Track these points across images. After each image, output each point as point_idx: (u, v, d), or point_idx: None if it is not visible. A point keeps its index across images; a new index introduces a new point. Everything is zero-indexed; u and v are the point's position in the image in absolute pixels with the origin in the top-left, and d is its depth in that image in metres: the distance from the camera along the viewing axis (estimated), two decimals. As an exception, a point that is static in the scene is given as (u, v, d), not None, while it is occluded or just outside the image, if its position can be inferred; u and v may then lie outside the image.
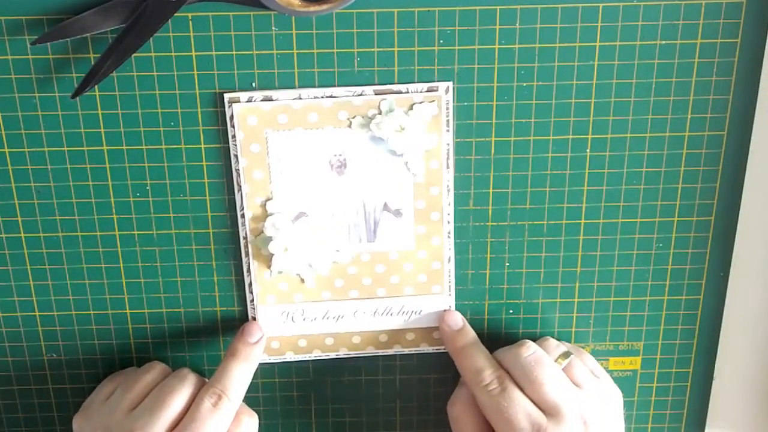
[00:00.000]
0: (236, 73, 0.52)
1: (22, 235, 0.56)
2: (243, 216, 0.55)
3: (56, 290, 0.58)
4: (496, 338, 0.60)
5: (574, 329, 0.60)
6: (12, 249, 0.57)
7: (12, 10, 0.50)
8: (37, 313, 0.59)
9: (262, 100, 0.53)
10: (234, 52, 0.52)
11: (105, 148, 0.54)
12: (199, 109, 0.53)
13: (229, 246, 0.57)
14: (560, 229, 0.57)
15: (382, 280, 0.58)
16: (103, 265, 0.57)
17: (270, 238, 0.55)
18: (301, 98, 0.53)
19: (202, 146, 0.54)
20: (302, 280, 0.57)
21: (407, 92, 0.53)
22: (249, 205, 0.55)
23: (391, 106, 0.53)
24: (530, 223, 0.57)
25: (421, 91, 0.53)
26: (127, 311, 0.59)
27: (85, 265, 0.57)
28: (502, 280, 0.58)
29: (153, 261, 0.57)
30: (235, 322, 0.59)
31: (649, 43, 0.52)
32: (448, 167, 0.55)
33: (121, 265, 0.57)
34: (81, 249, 0.57)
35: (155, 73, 0.52)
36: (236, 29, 0.52)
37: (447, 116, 0.53)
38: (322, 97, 0.53)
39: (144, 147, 0.54)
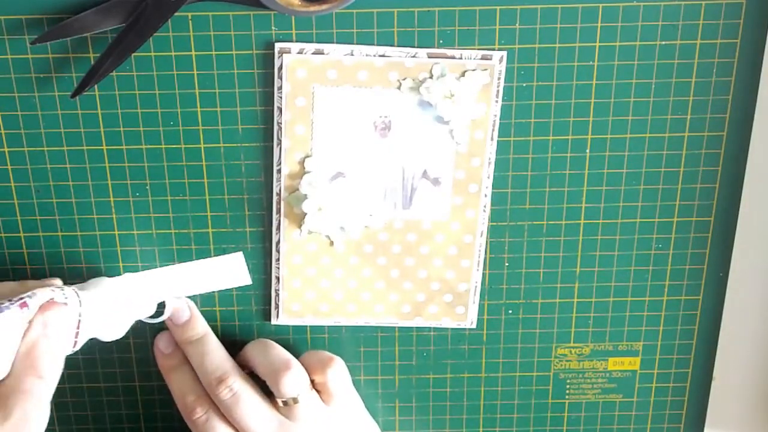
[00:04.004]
0: (236, 73, 0.52)
1: (22, 234, 0.56)
2: (279, 171, 0.54)
3: (55, 290, 0.58)
4: (496, 339, 0.60)
5: (573, 329, 0.60)
6: (11, 248, 0.57)
7: (12, 9, 0.50)
8: (36, 313, 0.58)
9: (313, 53, 0.52)
10: (234, 52, 0.52)
11: (104, 147, 0.54)
12: (198, 109, 0.53)
13: (228, 246, 0.57)
14: (560, 229, 0.57)
15: (411, 250, 0.57)
16: (102, 265, 0.57)
17: (305, 196, 0.55)
18: (353, 54, 0.52)
19: (202, 146, 0.54)
20: (331, 243, 0.57)
21: (461, 58, 0.52)
22: (287, 160, 0.54)
23: (443, 70, 0.52)
24: (530, 223, 0.57)
25: (474, 58, 0.52)
26: (127, 311, 0.59)
27: (85, 265, 0.57)
28: (501, 280, 0.58)
29: (152, 261, 0.57)
30: (234, 322, 0.59)
31: (649, 43, 0.52)
32: (492, 139, 0.54)
33: (120, 264, 0.57)
34: (80, 249, 0.57)
35: (155, 73, 0.52)
36: (236, 29, 0.51)
37: (498, 86, 0.53)
38: (375, 56, 0.52)
39: (143, 147, 0.54)
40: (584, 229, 0.57)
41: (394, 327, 0.60)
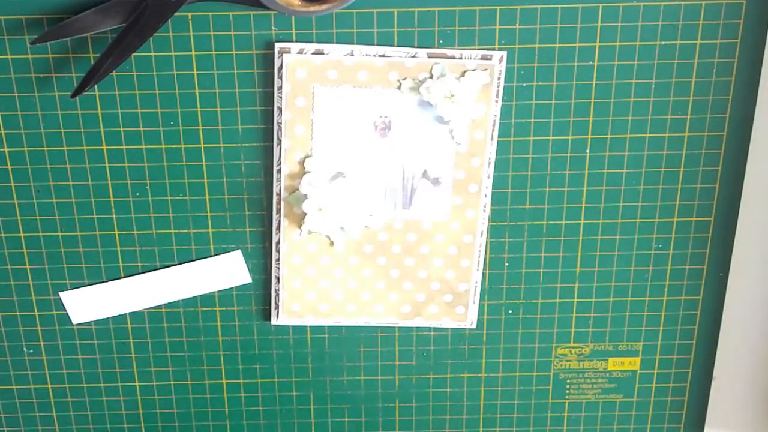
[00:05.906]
0: (236, 73, 0.52)
1: (22, 234, 0.56)
2: (279, 171, 0.54)
3: (55, 289, 0.58)
4: (496, 339, 0.60)
5: (573, 329, 0.60)
6: (11, 248, 0.57)
7: (12, 9, 0.50)
8: (36, 313, 0.58)
9: (313, 53, 0.52)
10: (234, 52, 0.52)
11: (104, 147, 0.54)
12: (198, 109, 0.53)
13: (228, 246, 0.57)
14: (560, 229, 0.57)
15: (411, 250, 0.57)
16: (102, 265, 0.57)
17: (305, 196, 0.55)
18: (353, 54, 0.52)
19: (202, 146, 0.54)
20: (331, 243, 0.57)
21: (460, 58, 0.52)
22: (287, 160, 0.54)
23: (443, 70, 0.52)
24: (530, 223, 0.57)
25: (474, 59, 0.52)
26: (126, 311, 0.59)
27: (84, 265, 0.57)
28: (501, 280, 0.58)
29: (152, 261, 0.57)
30: (233, 322, 0.59)
31: (649, 43, 0.52)
32: (492, 139, 0.54)
33: (120, 264, 0.57)
34: (80, 248, 0.57)
35: (155, 73, 0.52)
36: (236, 29, 0.51)
37: (498, 86, 0.53)
38: (375, 56, 0.52)
39: (143, 147, 0.54)
40: (584, 229, 0.57)
41: (394, 327, 0.60)
